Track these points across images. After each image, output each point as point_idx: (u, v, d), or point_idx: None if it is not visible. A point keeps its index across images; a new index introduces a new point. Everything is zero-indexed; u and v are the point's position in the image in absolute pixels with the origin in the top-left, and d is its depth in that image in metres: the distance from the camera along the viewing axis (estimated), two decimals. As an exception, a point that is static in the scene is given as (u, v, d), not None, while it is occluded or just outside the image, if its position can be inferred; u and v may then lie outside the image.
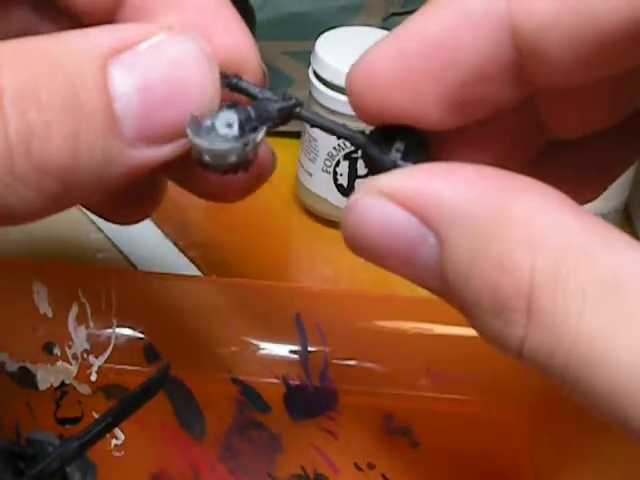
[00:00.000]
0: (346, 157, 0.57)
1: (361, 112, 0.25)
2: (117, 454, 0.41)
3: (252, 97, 0.26)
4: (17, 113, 0.21)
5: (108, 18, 0.29)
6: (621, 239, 0.19)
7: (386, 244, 0.22)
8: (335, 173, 0.58)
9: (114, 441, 0.41)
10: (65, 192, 0.22)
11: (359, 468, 0.43)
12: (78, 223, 0.55)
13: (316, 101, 0.57)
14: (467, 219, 0.20)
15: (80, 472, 0.39)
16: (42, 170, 0.21)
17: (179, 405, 0.44)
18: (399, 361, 0.46)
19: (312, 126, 0.27)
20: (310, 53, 0.57)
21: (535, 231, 0.19)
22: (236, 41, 0.28)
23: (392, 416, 0.45)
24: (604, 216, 0.54)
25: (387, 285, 0.50)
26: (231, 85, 0.26)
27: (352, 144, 0.26)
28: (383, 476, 0.43)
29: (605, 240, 0.19)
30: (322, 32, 0.58)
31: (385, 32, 0.59)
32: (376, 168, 0.25)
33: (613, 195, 0.53)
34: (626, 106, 0.25)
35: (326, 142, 0.57)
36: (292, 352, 0.46)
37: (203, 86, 0.24)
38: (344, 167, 0.58)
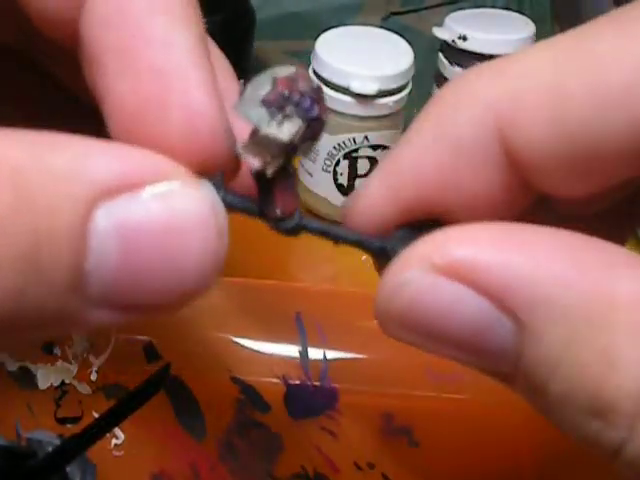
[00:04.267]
0: (346, 157, 0.57)
1: (355, 227, 0.24)
2: (117, 453, 0.41)
3: (245, 213, 0.22)
4: None
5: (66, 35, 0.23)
6: None
7: (448, 330, 0.19)
8: (335, 173, 0.58)
9: (114, 440, 0.41)
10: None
11: (359, 467, 0.43)
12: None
13: (316, 100, 0.57)
14: (560, 302, 0.17)
15: (80, 471, 0.39)
16: None
17: (179, 404, 0.44)
18: (399, 361, 0.46)
19: (323, 237, 0.24)
20: (310, 52, 0.57)
21: None
22: (200, 114, 0.21)
23: (392, 416, 0.45)
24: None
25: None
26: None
27: (371, 252, 0.24)
28: (383, 475, 0.43)
29: None
30: (322, 31, 0.58)
31: (384, 31, 0.59)
32: None
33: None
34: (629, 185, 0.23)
35: (326, 142, 0.57)
36: (292, 351, 0.46)
37: (202, 265, 0.19)
38: (344, 167, 0.58)
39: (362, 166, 0.57)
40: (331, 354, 0.46)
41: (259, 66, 0.66)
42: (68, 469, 0.38)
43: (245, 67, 0.62)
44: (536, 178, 0.20)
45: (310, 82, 0.21)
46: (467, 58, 0.58)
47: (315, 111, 0.21)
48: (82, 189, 0.17)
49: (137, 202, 0.18)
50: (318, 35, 0.57)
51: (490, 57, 0.58)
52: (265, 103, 0.20)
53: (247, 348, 0.46)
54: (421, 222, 0.22)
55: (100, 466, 0.40)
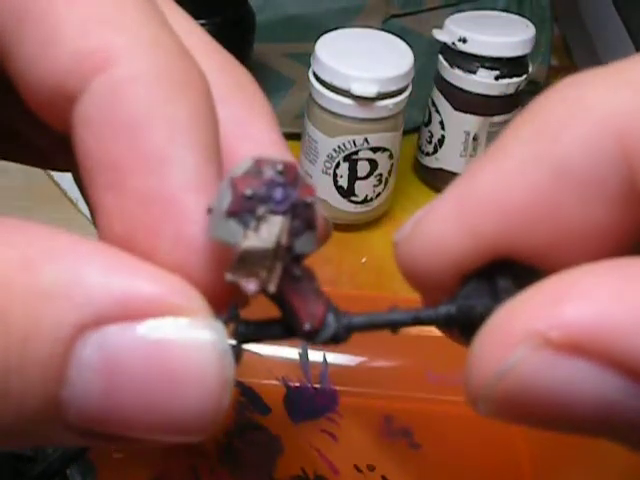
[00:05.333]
0: (346, 159, 0.57)
1: (413, 275, 0.19)
2: (117, 456, 0.41)
3: (272, 339, 0.19)
4: None
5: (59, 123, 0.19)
6: None
7: (569, 411, 0.15)
8: (335, 175, 0.58)
9: (114, 443, 0.41)
10: None
11: (359, 470, 0.43)
12: (81, 227, 0.55)
13: (316, 103, 0.57)
14: None
15: (80, 474, 0.39)
16: None
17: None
18: (399, 363, 0.46)
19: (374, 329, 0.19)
20: (310, 55, 0.57)
21: None
22: (193, 250, 0.17)
23: (392, 418, 0.45)
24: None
25: (387, 286, 0.50)
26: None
27: (437, 324, 0.19)
28: (383, 478, 0.42)
29: None
30: (322, 34, 0.58)
31: (384, 34, 0.59)
32: None
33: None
34: None
35: (326, 144, 0.57)
36: (292, 354, 0.46)
37: (200, 417, 0.16)
38: (344, 169, 0.58)
39: (362, 168, 0.57)
40: (331, 356, 0.46)
41: (259, 69, 0.66)
42: (69, 471, 0.38)
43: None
44: None
45: (274, 165, 0.17)
46: (467, 60, 0.58)
47: (293, 196, 0.17)
48: (70, 312, 0.15)
49: (129, 336, 0.15)
50: (318, 37, 0.57)
51: (490, 59, 0.58)
52: (231, 214, 0.16)
53: (247, 350, 0.46)
54: (493, 268, 0.18)
55: (100, 468, 0.40)
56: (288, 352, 0.46)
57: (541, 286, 0.15)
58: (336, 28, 0.59)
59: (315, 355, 0.46)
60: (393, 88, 0.55)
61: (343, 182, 0.58)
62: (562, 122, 0.16)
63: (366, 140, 0.56)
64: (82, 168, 0.17)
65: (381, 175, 0.58)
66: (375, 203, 0.59)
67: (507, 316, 0.15)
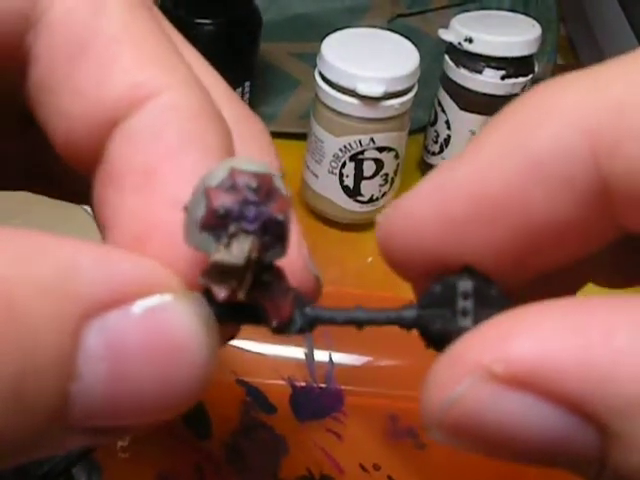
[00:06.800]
0: (352, 158, 0.57)
1: (392, 256, 0.20)
2: (123, 455, 0.41)
3: (243, 323, 0.20)
4: None
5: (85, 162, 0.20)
6: None
7: (514, 444, 0.16)
8: (341, 174, 0.58)
9: (119, 442, 0.41)
10: None
11: (365, 469, 0.43)
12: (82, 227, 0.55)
13: (322, 102, 0.57)
14: None
15: (85, 473, 0.39)
16: None
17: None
18: (405, 362, 0.46)
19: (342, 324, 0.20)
20: (316, 54, 0.57)
21: None
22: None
23: (398, 417, 0.45)
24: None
25: (393, 286, 0.50)
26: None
27: (402, 326, 0.20)
28: (389, 477, 0.43)
29: None
30: (328, 33, 0.58)
31: (390, 33, 0.59)
32: (443, 343, 0.18)
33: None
34: None
35: (332, 143, 0.57)
36: (298, 353, 0.46)
37: (191, 381, 0.17)
38: (350, 168, 0.58)
39: (368, 168, 0.57)
40: (337, 356, 0.46)
41: (265, 68, 0.66)
42: (74, 470, 0.38)
43: (251, 69, 0.62)
44: (631, 215, 0.17)
45: (248, 180, 0.17)
46: (473, 60, 0.58)
47: (265, 214, 0.17)
48: (71, 304, 0.15)
49: (128, 318, 0.16)
50: (324, 37, 0.57)
51: (496, 59, 0.58)
52: (204, 227, 0.17)
53: (253, 350, 0.46)
54: (462, 274, 0.19)
55: (106, 468, 0.40)
56: (294, 352, 0.46)
57: (496, 320, 0.16)
58: (342, 28, 0.59)
59: (321, 355, 0.46)
60: (399, 88, 0.55)
61: (349, 182, 0.58)
62: (537, 121, 0.17)
63: (372, 140, 0.56)
64: (113, 178, 0.19)
65: (387, 175, 0.58)
66: (381, 203, 0.59)
67: (462, 346, 0.16)
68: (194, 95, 0.19)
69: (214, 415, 0.44)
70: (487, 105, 0.60)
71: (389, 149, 0.57)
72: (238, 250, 0.17)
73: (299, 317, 0.19)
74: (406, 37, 0.59)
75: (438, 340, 0.19)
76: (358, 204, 0.59)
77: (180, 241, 0.18)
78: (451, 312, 0.19)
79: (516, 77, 0.59)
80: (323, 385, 0.46)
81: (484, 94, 0.59)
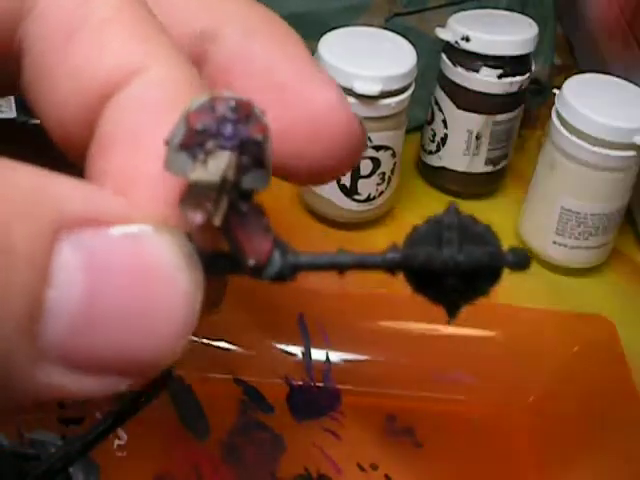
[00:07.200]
0: (349, 157, 0.57)
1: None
2: (120, 454, 0.41)
3: (217, 272, 0.19)
4: None
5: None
6: None
7: None
8: (338, 173, 0.58)
9: (117, 441, 0.41)
10: None
11: (362, 469, 0.43)
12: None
13: (319, 101, 0.57)
14: None
15: (83, 472, 0.39)
16: None
17: (182, 406, 0.44)
18: (402, 362, 0.46)
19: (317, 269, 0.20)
20: (313, 53, 0.57)
21: None
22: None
23: (395, 417, 0.45)
24: (607, 216, 0.54)
25: (390, 285, 0.50)
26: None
27: (388, 269, 0.19)
28: (386, 476, 0.43)
29: None
30: (325, 32, 0.58)
31: (387, 32, 0.59)
32: (429, 281, 0.18)
33: (616, 196, 0.53)
34: None
35: (329, 142, 0.57)
36: (295, 352, 0.46)
37: (175, 320, 0.16)
38: (347, 167, 0.58)
39: (365, 167, 0.57)
40: (334, 355, 0.46)
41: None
42: (71, 470, 0.38)
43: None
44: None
45: (227, 102, 0.17)
46: (470, 59, 0.58)
47: (242, 133, 0.17)
48: (47, 210, 0.15)
49: (105, 238, 0.16)
50: (321, 36, 0.57)
51: (493, 58, 0.58)
52: (183, 147, 0.17)
53: (250, 348, 0.46)
54: (448, 212, 0.18)
55: (103, 467, 0.40)
56: (291, 351, 0.46)
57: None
58: (339, 26, 0.59)
59: (318, 354, 0.46)
60: (396, 86, 0.55)
61: (346, 180, 0.58)
62: None
63: (369, 138, 0.56)
64: (99, 142, 0.19)
65: (384, 174, 0.58)
66: (378, 202, 0.59)
67: None
68: (179, 69, 0.19)
69: (211, 414, 0.44)
70: (484, 104, 0.60)
71: (386, 148, 0.57)
72: (215, 167, 0.17)
73: (279, 258, 0.18)
74: (403, 36, 0.59)
75: (425, 278, 0.18)
76: (355, 203, 0.59)
77: (162, 189, 0.18)
78: (437, 247, 0.18)
79: (513, 76, 0.59)
80: (320, 384, 0.46)
81: (481, 93, 0.59)
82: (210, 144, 0.17)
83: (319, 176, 0.22)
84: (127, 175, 0.18)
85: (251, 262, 0.18)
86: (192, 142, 0.17)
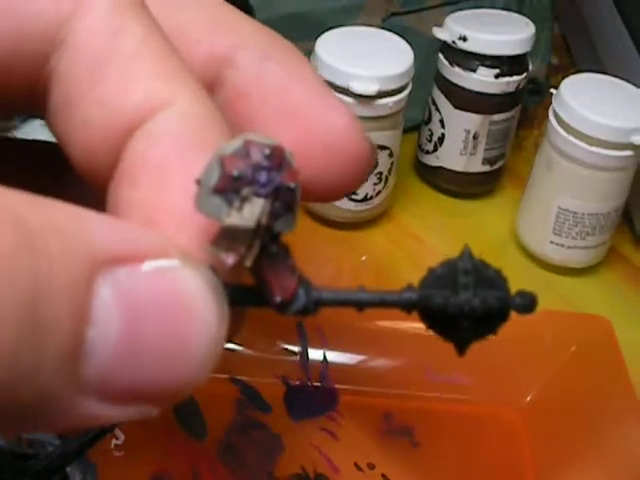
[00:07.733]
0: (346, 157, 0.57)
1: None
2: (117, 454, 0.41)
3: (246, 304, 0.20)
4: None
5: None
6: None
7: None
8: (335, 173, 0.58)
9: (114, 441, 0.41)
10: None
11: (359, 468, 0.43)
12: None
13: (316, 101, 0.57)
14: None
15: (80, 472, 0.39)
16: None
17: (179, 405, 0.44)
18: (399, 361, 0.47)
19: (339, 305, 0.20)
20: (310, 53, 0.57)
21: None
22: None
23: (392, 416, 0.45)
24: (604, 216, 0.54)
25: (388, 285, 0.50)
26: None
27: (404, 307, 0.20)
28: (383, 476, 0.43)
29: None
30: (322, 32, 0.58)
31: (384, 32, 0.59)
32: (444, 322, 0.19)
33: (613, 196, 0.53)
34: None
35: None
36: (292, 352, 0.46)
37: (203, 348, 0.17)
38: (344, 167, 0.58)
39: (362, 167, 0.57)
40: (331, 355, 0.46)
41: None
42: (68, 469, 0.38)
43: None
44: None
45: (262, 149, 0.18)
46: (467, 59, 0.58)
47: (276, 180, 0.18)
48: (85, 248, 0.16)
49: (138, 274, 0.16)
50: (318, 35, 0.57)
51: (490, 58, 0.58)
52: (218, 192, 0.18)
53: (247, 348, 0.46)
54: (462, 257, 0.19)
55: (100, 466, 0.40)
56: (288, 350, 0.46)
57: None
58: (336, 26, 0.59)
59: (315, 354, 0.46)
60: (393, 86, 0.55)
61: (343, 180, 0.58)
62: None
63: (366, 138, 0.56)
64: (123, 172, 0.20)
65: (381, 173, 0.58)
66: (375, 201, 0.59)
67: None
68: (203, 104, 0.20)
69: (208, 414, 0.44)
70: (481, 103, 0.60)
71: (383, 148, 0.57)
72: (249, 213, 0.18)
73: (303, 295, 0.19)
74: (400, 36, 0.59)
75: (439, 318, 0.19)
76: (352, 203, 0.59)
77: (189, 225, 0.18)
78: (452, 290, 0.19)
79: (510, 75, 0.59)
80: (317, 384, 0.46)
81: (478, 92, 0.59)
82: (245, 191, 0.18)
83: (331, 195, 0.23)
84: (153, 208, 0.19)
85: (278, 299, 0.19)
86: (227, 187, 0.18)
